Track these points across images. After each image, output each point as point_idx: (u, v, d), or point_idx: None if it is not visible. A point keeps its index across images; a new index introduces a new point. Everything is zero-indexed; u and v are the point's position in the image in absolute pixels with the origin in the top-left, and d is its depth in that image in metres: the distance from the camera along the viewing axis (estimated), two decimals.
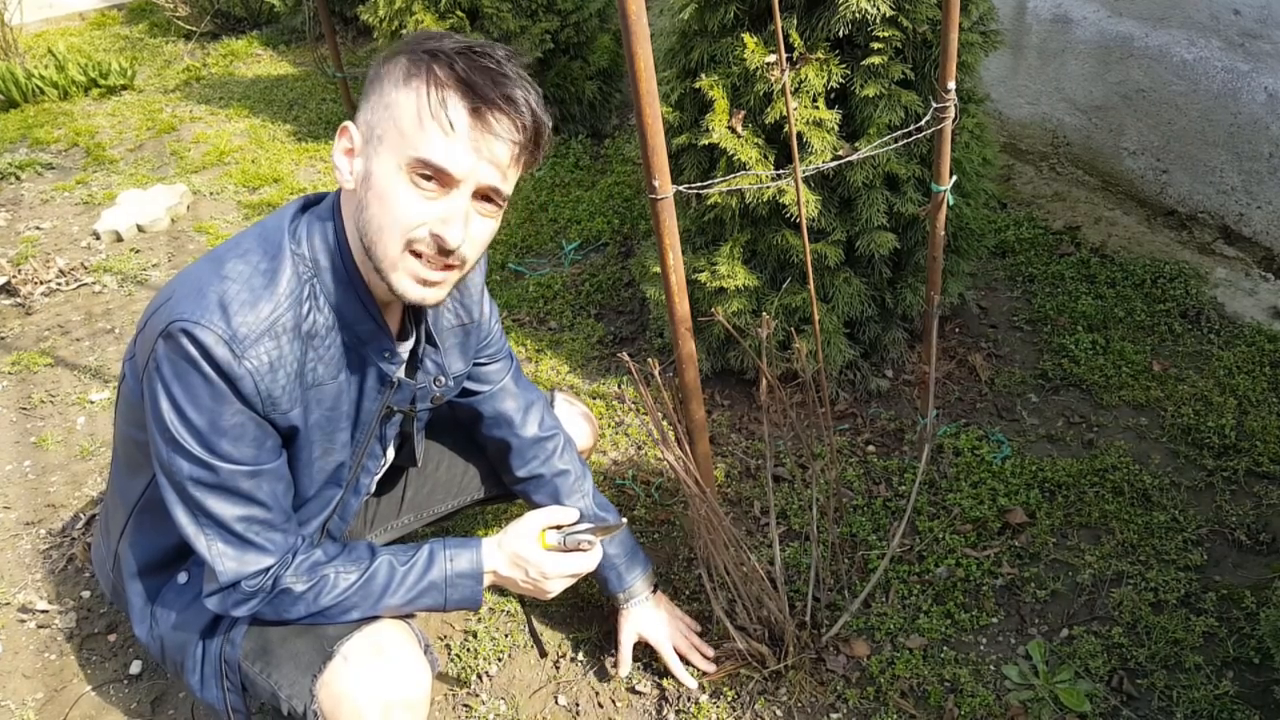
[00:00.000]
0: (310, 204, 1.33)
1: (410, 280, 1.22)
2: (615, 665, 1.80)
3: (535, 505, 1.75)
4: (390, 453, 1.59)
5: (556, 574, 1.46)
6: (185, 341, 1.17)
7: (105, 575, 1.58)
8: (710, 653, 1.81)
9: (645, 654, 1.85)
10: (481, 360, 1.63)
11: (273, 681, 1.36)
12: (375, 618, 1.39)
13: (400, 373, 1.39)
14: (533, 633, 1.77)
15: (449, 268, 1.23)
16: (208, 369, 1.18)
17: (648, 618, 1.78)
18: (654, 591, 1.80)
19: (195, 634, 1.43)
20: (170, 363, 1.19)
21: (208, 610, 1.40)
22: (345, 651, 1.33)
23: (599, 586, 1.80)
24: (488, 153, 1.19)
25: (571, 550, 1.49)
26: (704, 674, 1.79)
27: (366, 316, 1.30)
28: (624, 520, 1.66)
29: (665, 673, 1.80)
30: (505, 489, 1.83)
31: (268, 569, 1.31)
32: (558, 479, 1.74)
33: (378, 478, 1.60)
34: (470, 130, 1.17)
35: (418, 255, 1.20)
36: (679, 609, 1.87)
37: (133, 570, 1.48)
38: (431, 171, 1.17)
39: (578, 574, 1.49)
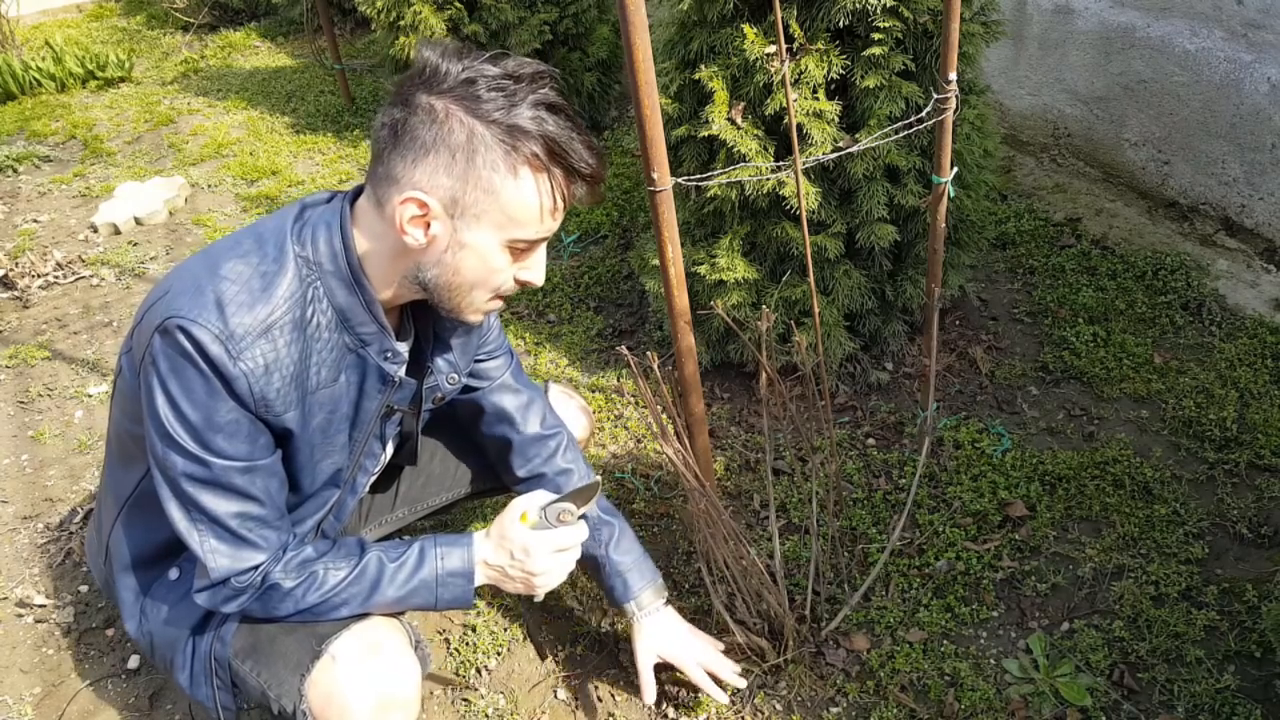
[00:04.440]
0: (316, 202, 1.32)
1: (481, 314, 1.34)
2: (640, 693, 1.69)
3: None
4: (389, 451, 1.58)
5: (539, 550, 1.41)
6: (181, 338, 1.17)
7: (98, 568, 1.57)
8: (737, 667, 1.72)
9: None
10: (480, 357, 1.63)
11: (262, 680, 1.35)
12: (365, 615, 1.38)
13: (401, 372, 1.38)
14: (532, 636, 1.72)
15: None
16: (203, 365, 1.18)
17: (665, 633, 1.69)
18: (667, 604, 1.73)
19: (185, 631, 1.42)
20: (166, 358, 1.19)
21: (198, 607, 1.39)
22: (334, 650, 1.33)
23: (606, 598, 1.74)
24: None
25: (553, 526, 1.44)
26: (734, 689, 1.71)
27: (370, 318, 1.30)
28: (598, 478, 1.61)
29: (689, 685, 1.73)
30: (500, 481, 1.81)
31: (258, 566, 1.30)
32: (560, 478, 1.71)
33: (374, 477, 1.59)
34: (569, 204, 1.28)
35: (498, 296, 1.33)
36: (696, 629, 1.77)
37: (123, 564, 1.47)
38: (534, 244, 1.29)
39: (562, 549, 1.44)
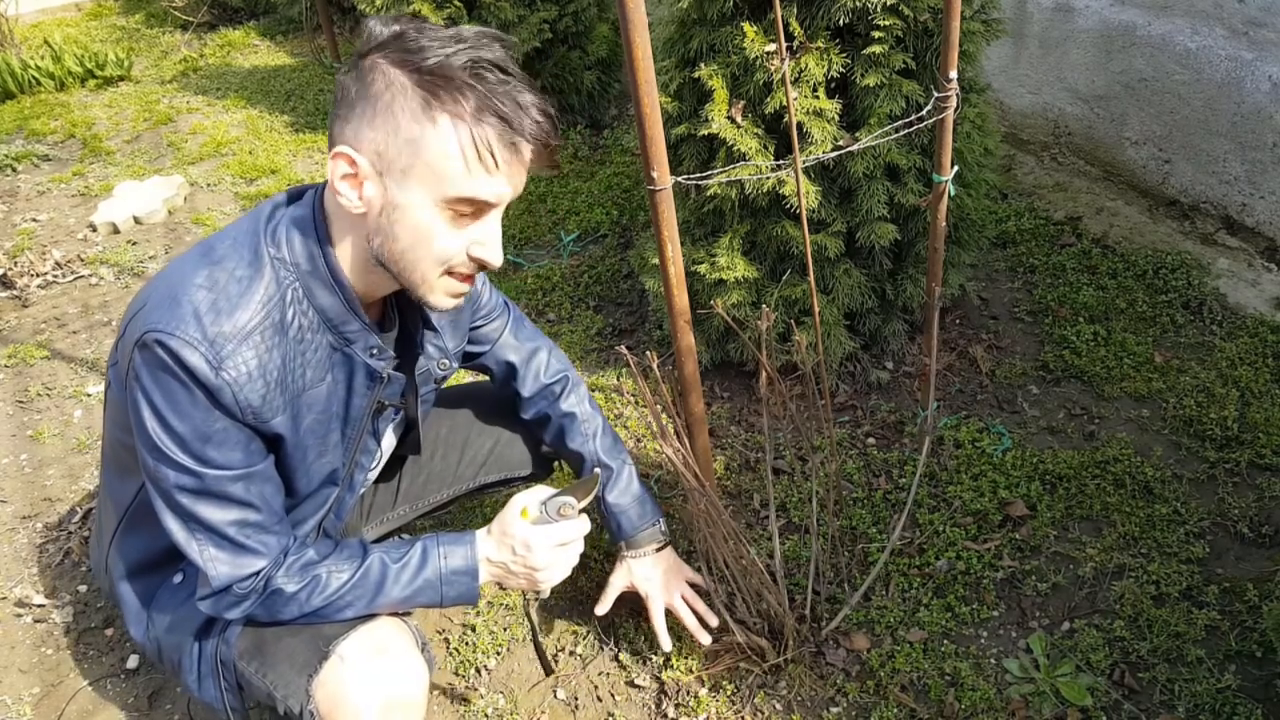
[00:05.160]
0: (286, 201, 1.30)
1: (445, 296, 1.27)
2: (596, 606, 1.77)
3: (546, 448, 1.80)
4: (386, 445, 1.58)
5: (540, 545, 1.41)
6: (160, 352, 1.15)
7: (101, 576, 1.57)
8: (713, 621, 1.75)
9: (646, 646, 1.84)
10: (477, 323, 1.64)
11: (268, 681, 1.35)
12: (371, 616, 1.38)
13: (389, 368, 1.37)
14: (538, 647, 1.73)
15: (475, 276, 1.28)
16: (185, 378, 1.16)
17: (644, 570, 1.74)
18: (660, 550, 1.76)
19: (191, 634, 1.42)
20: (148, 372, 1.17)
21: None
22: (341, 651, 1.32)
23: (608, 536, 1.78)
24: (520, 176, 1.22)
25: (555, 520, 1.44)
26: (704, 645, 1.74)
27: (352, 316, 1.28)
28: (598, 472, 1.60)
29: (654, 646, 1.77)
30: (501, 477, 1.82)
31: (259, 571, 1.29)
32: (564, 420, 1.73)
33: (373, 473, 1.59)
34: (510, 164, 1.19)
35: (453, 274, 1.25)
36: (689, 569, 1.80)
37: (127, 571, 1.46)
38: (473, 207, 1.20)
39: (564, 543, 1.44)
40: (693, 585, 1.79)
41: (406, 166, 1.16)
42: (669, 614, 1.75)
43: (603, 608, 1.76)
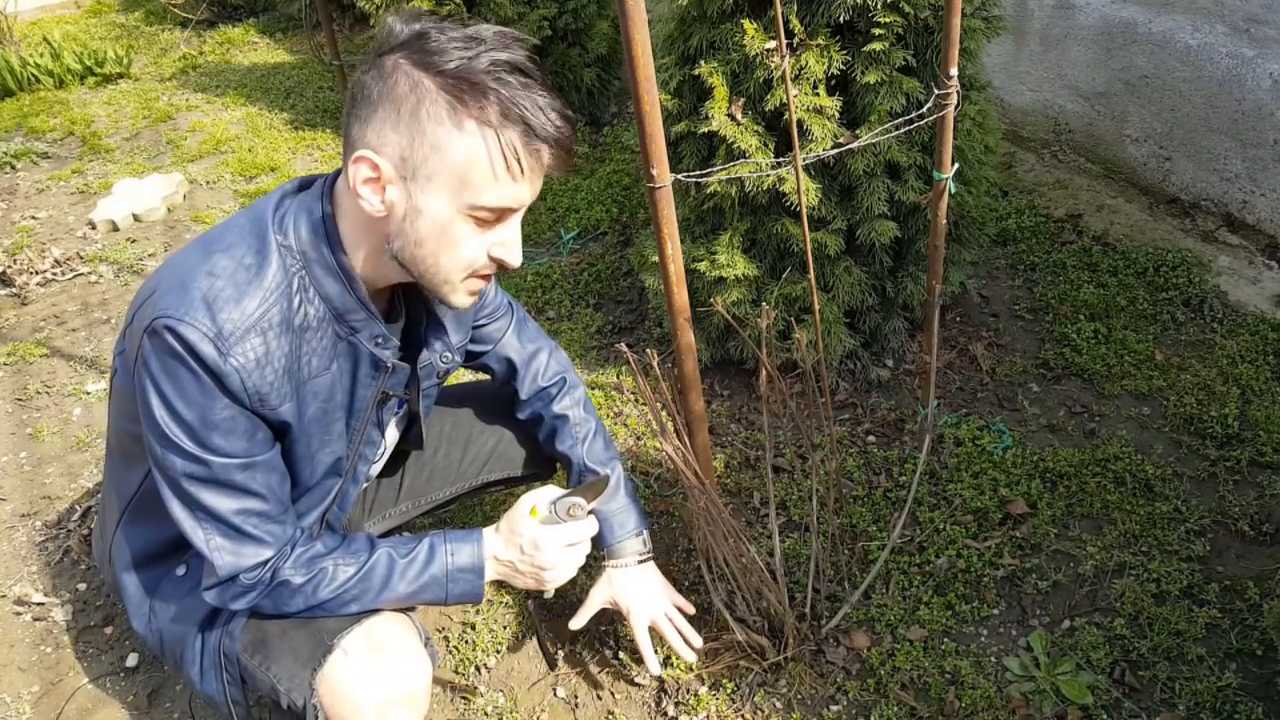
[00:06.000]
0: (295, 189, 1.31)
1: (466, 295, 1.29)
2: (574, 619, 1.72)
3: (539, 449, 1.78)
4: (389, 438, 1.58)
5: (549, 545, 1.41)
6: (170, 339, 1.16)
7: (104, 567, 1.57)
8: (697, 643, 1.71)
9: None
10: (480, 321, 1.64)
11: (271, 674, 1.35)
12: (375, 611, 1.38)
13: (394, 358, 1.37)
14: (540, 642, 1.73)
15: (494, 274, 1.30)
16: (194, 365, 1.17)
17: (625, 583, 1.68)
18: (643, 563, 1.71)
19: (194, 626, 1.42)
20: (157, 359, 1.18)
21: (206, 602, 1.39)
22: (345, 645, 1.32)
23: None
24: (539, 179, 1.23)
25: (563, 520, 1.44)
26: (690, 664, 1.72)
27: (358, 306, 1.28)
28: (607, 473, 1.59)
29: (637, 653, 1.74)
30: (503, 475, 1.82)
31: (266, 561, 1.30)
32: (556, 422, 1.72)
33: (376, 465, 1.59)
34: (533, 170, 1.19)
35: (475, 275, 1.26)
36: (676, 592, 1.77)
37: (130, 562, 1.47)
38: (497, 213, 1.21)
39: (572, 543, 1.45)
40: (679, 610, 1.73)
41: (432, 172, 1.16)
42: (652, 632, 1.70)
43: (578, 622, 1.71)
